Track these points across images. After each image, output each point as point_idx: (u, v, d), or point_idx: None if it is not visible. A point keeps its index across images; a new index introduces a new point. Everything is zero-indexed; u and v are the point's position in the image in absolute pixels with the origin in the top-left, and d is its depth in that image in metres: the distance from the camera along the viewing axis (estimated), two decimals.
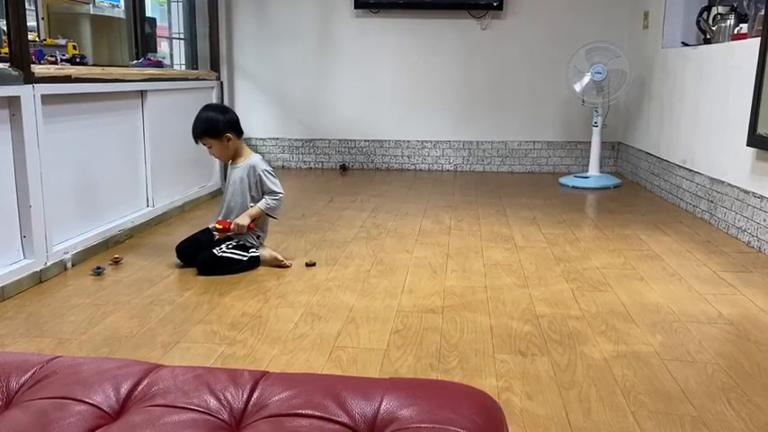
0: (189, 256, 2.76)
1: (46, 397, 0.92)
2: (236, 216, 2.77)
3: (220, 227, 2.73)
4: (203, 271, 2.68)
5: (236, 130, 2.80)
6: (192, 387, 0.94)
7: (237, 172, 2.81)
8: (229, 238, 2.74)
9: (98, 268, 2.68)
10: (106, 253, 2.96)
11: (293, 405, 0.90)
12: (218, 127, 2.74)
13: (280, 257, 2.80)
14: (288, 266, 2.78)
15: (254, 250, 2.78)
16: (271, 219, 2.88)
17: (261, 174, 2.77)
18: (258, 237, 2.83)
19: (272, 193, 2.78)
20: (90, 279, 2.61)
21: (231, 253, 2.72)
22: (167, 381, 0.96)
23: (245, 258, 2.73)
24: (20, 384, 0.97)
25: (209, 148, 2.80)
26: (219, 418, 0.89)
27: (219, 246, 2.72)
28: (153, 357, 1.90)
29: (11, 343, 2.01)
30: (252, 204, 2.78)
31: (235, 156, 2.84)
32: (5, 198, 2.47)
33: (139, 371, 0.99)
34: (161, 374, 0.98)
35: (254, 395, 0.93)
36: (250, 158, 2.82)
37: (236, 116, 2.84)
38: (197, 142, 2.80)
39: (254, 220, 2.76)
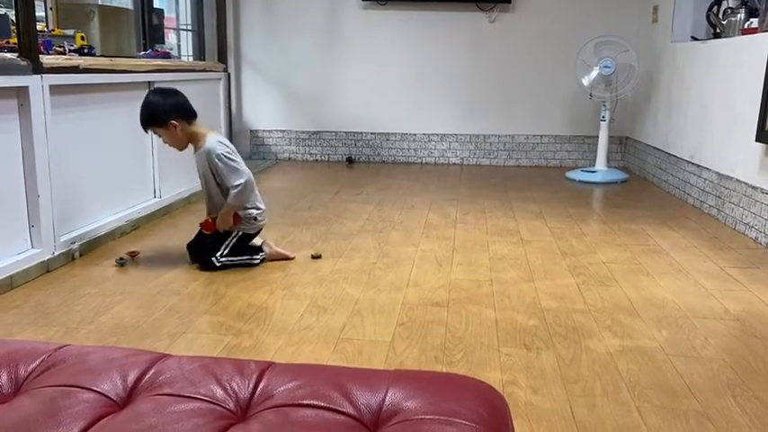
0: (198, 257, 2.70)
1: (54, 385, 0.93)
2: (212, 204, 2.66)
3: (206, 228, 2.66)
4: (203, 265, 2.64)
5: (183, 114, 2.57)
6: (199, 377, 0.95)
7: (199, 159, 2.63)
8: (229, 233, 2.65)
9: (121, 259, 2.67)
10: (113, 243, 2.98)
11: (299, 395, 0.91)
12: (159, 114, 2.53)
13: (282, 251, 2.76)
14: (291, 258, 2.76)
15: (256, 257, 2.68)
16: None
17: (215, 160, 2.56)
18: (255, 219, 2.67)
19: (229, 180, 2.56)
20: (97, 269, 2.63)
21: (229, 261, 2.64)
22: (174, 370, 0.97)
23: (247, 262, 2.67)
24: (28, 372, 0.97)
25: (159, 137, 2.64)
26: (226, 408, 0.90)
27: (218, 250, 2.61)
28: (159, 347, 1.92)
29: (19, 331, 2.02)
30: (221, 191, 2.63)
31: (193, 141, 2.63)
32: (14, 188, 2.48)
33: (146, 360, 1.00)
34: (168, 364, 0.99)
35: (260, 385, 0.94)
36: (207, 143, 2.59)
37: (183, 99, 2.61)
38: (146, 131, 2.64)
39: (235, 214, 2.63)
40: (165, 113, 2.54)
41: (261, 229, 2.76)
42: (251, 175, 2.63)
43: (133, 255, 2.76)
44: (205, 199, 2.75)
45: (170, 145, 2.66)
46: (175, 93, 2.63)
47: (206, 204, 2.76)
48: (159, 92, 2.66)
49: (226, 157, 2.57)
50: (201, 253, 2.65)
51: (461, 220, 3.52)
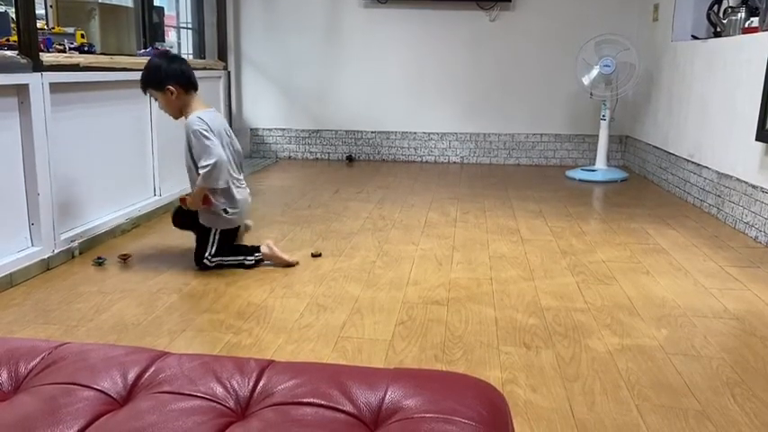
0: (183, 224, 2.70)
1: (54, 382, 0.93)
2: (192, 177, 2.60)
3: (182, 204, 2.62)
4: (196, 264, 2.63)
5: (183, 83, 2.52)
6: (199, 374, 0.95)
7: (184, 130, 2.58)
8: (209, 231, 2.60)
9: (99, 259, 2.66)
10: (113, 242, 2.98)
11: (299, 394, 0.91)
12: (159, 77, 2.50)
13: (284, 257, 2.66)
14: (293, 264, 2.68)
15: (250, 258, 2.64)
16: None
17: (190, 135, 2.49)
18: (225, 211, 2.57)
19: (199, 158, 2.48)
20: (97, 267, 2.63)
21: (221, 261, 2.60)
22: (174, 368, 0.97)
23: (240, 263, 2.63)
24: (28, 370, 0.98)
25: (155, 101, 2.60)
26: (226, 406, 0.90)
27: (206, 250, 2.59)
28: (159, 345, 1.92)
29: (19, 329, 2.02)
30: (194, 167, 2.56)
31: (185, 112, 2.58)
32: (14, 186, 2.48)
33: (146, 358, 1.00)
34: (168, 362, 0.99)
35: (260, 383, 0.94)
36: (191, 115, 2.53)
37: (187, 68, 2.56)
38: (145, 93, 2.61)
39: (205, 196, 2.53)
40: (165, 77, 2.50)
41: (238, 226, 2.68)
42: (222, 158, 2.49)
43: (125, 257, 2.71)
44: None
45: (164, 111, 2.63)
46: (181, 60, 2.60)
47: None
48: (164, 55, 2.63)
49: (200, 133, 2.47)
50: (195, 254, 2.63)
51: (461, 219, 3.52)
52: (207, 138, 2.47)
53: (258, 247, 2.67)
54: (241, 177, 2.70)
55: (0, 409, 0.88)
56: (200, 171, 2.47)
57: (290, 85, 5.54)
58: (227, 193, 2.58)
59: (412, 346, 1.94)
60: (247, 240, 2.86)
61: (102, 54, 3.32)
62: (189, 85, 2.56)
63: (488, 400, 0.92)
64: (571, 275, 2.60)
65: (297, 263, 2.69)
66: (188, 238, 2.79)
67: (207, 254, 2.60)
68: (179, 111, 2.59)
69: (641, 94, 5.06)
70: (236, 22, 5.45)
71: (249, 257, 2.64)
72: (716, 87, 3.74)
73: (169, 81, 2.50)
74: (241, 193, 2.64)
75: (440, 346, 1.94)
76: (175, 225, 2.80)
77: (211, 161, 2.46)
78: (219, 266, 2.61)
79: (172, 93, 2.52)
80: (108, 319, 2.11)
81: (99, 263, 2.64)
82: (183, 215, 2.71)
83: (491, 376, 1.76)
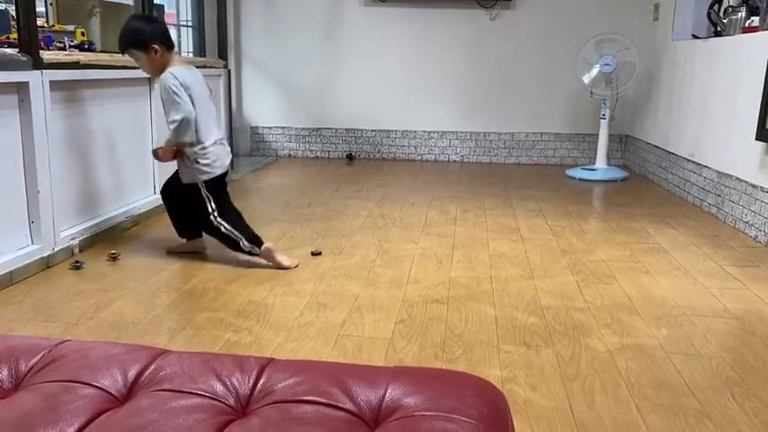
0: (170, 195, 2.76)
1: (54, 380, 0.93)
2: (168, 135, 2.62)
3: (154, 156, 2.66)
4: (204, 231, 2.71)
5: (165, 41, 2.58)
6: (199, 372, 0.95)
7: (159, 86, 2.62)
8: (199, 192, 2.63)
9: (77, 263, 2.59)
10: (113, 239, 2.98)
11: (299, 391, 0.91)
12: (144, 36, 2.53)
13: (281, 261, 2.64)
14: (290, 267, 2.65)
15: (248, 245, 2.63)
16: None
17: (162, 90, 2.54)
18: (197, 161, 2.60)
19: (167, 114, 2.54)
20: (97, 265, 2.63)
21: (224, 227, 2.63)
22: (174, 366, 0.97)
23: (237, 241, 2.65)
24: (29, 367, 0.98)
25: (136, 61, 2.61)
26: (226, 404, 0.90)
27: (212, 207, 2.62)
28: (159, 343, 1.92)
29: (19, 327, 2.02)
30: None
31: (163, 70, 2.59)
32: (14, 183, 2.48)
33: (147, 356, 1.00)
34: (168, 360, 0.99)
35: (261, 381, 0.94)
36: (166, 71, 2.56)
37: (165, 27, 2.65)
38: (123, 54, 2.61)
39: (176, 149, 2.59)
40: (150, 37, 2.54)
41: (223, 176, 2.68)
42: (191, 115, 2.54)
43: (114, 256, 2.70)
44: None
45: (145, 70, 2.66)
46: (159, 20, 2.65)
47: None
48: (143, 17, 2.67)
49: (171, 90, 2.52)
50: (195, 222, 2.70)
51: (461, 218, 3.52)
52: (177, 94, 2.52)
53: (261, 242, 2.65)
54: (222, 135, 2.73)
55: (0, 406, 0.88)
56: (169, 126, 2.54)
57: (290, 83, 5.54)
58: (200, 146, 2.61)
59: (412, 345, 1.94)
60: None
61: (102, 52, 3.32)
62: (170, 43, 2.62)
63: (488, 398, 0.92)
64: (571, 274, 2.61)
65: (296, 265, 2.67)
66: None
67: (210, 211, 2.63)
68: (160, 69, 2.61)
69: (641, 93, 5.06)
70: (236, 20, 5.45)
71: (247, 243, 2.63)
72: (716, 87, 3.74)
73: (154, 41, 2.55)
74: (216, 147, 2.66)
75: (440, 345, 1.94)
76: (166, 202, 2.83)
77: (178, 117, 2.52)
78: (220, 233, 2.63)
79: (156, 52, 2.55)
80: (108, 317, 2.11)
81: (77, 267, 2.57)
82: (170, 194, 2.77)
83: (491, 375, 1.76)
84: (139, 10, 4.00)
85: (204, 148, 2.61)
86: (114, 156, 3.16)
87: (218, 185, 2.68)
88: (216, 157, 2.64)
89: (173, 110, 2.53)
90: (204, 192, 2.63)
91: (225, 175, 2.71)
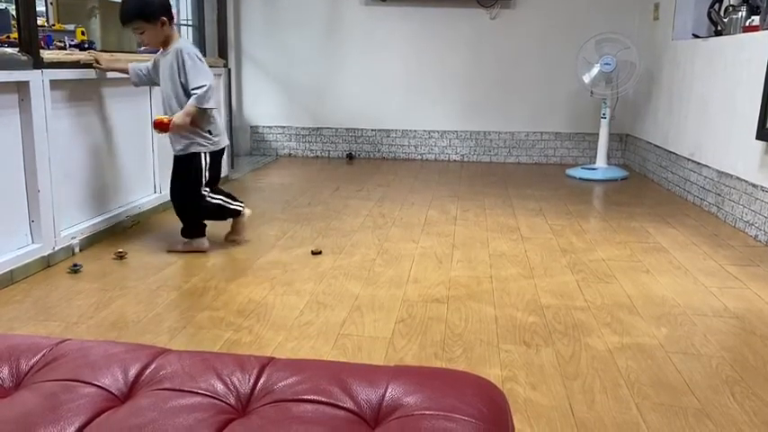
0: (191, 232, 2.80)
1: (55, 379, 0.93)
2: (174, 106, 2.65)
3: (159, 127, 2.60)
4: (186, 208, 2.76)
5: (170, 14, 2.65)
6: (200, 371, 0.95)
7: (166, 60, 2.67)
8: (198, 171, 2.69)
9: (75, 266, 2.54)
10: (113, 238, 2.98)
11: (299, 390, 0.91)
12: (153, 9, 2.58)
13: (239, 236, 2.85)
14: (239, 243, 2.84)
15: (234, 204, 2.82)
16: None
17: (185, 57, 2.60)
18: (210, 132, 2.69)
19: (194, 82, 2.59)
20: (97, 264, 2.63)
21: (217, 198, 2.76)
22: (175, 365, 0.97)
23: (228, 204, 2.80)
24: (29, 366, 0.98)
25: (139, 33, 2.64)
26: (226, 403, 0.90)
27: (205, 178, 2.71)
28: (159, 342, 1.92)
29: (19, 326, 2.03)
30: (182, 94, 2.65)
31: (165, 44, 2.69)
32: (14, 183, 2.48)
33: (147, 355, 1.00)
34: (168, 359, 0.99)
35: (261, 380, 0.94)
36: (177, 42, 2.67)
37: (169, 0, 2.71)
38: (125, 25, 2.65)
39: (192, 117, 2.61)
40: (158, 9, 2.60)
41: (221, 148, 2.77)
42: (213, 81, 2.67)
43: (121, 255, 2.69)
44: (165, 109, 2.75)
45: (147, 43, 2.72)
46: None
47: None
48: None
49: (196, 56, 2.62)
50: (183, 200, 2.75)
51: (461, 217, 3.52)
52: (202, 61, 2.63)
53: (242, 209, 2.86)
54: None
55: (1, 405, 0.88)
56: (195, 91, 2.57)
57: (290, 82, 5.54)
58: (212, 116, 2.71)
59: (412, 344, 1.94)
60: (249, 239, 2.89)
61: (102, 51, 3.32)
62: (173, 17, 2.70)
63: (488, 397, 0.92)
64: (571, 274, 2.61)
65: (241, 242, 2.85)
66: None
67: (204, 182, 2.70)
68: (163, 42, 2.68)
69: (642, 92, 5.06)
70: (236, 20, 5.45)
71: (233, 202, 2.84)
72: (716, 86, 3.74)
73: (161, 12, 2.61)
74: (220, 120, 2.84)
75: (440, 344, 1.94)
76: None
77: (206, 82, 2.60)
78: (212, 209, 2.75)
79: (163, 24, 2.62)
80: (108, 316, 2.11)
81: (75, 270, 2.52)
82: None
83: (491, 374, 1.76)
84: None
85: (214, 119, 2.73)
86: (114, 155, 3.16)
87: (219, 159, 2.78)
88: (221, 129, 2.78)
89: (199, 75, 2.60)
90: (204, 161, 2.70)
91: (224, 150, 2.83)
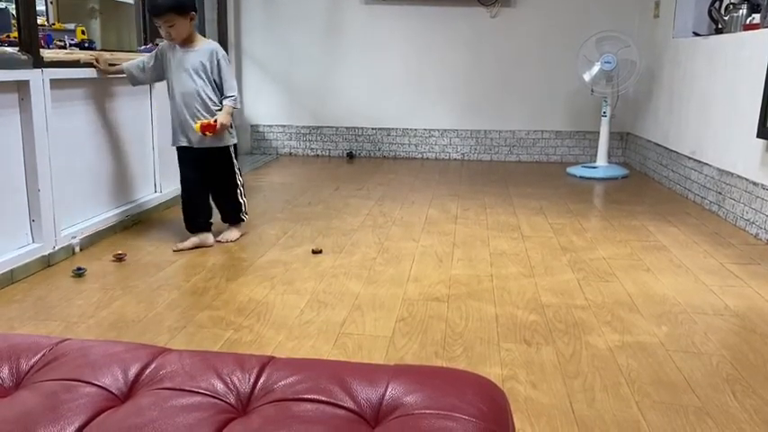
0: (198, 183, 2.89)
1: (55, 378, 0.93)
2: (198, 102, 2.73)
3: (207, 129, 2.68)
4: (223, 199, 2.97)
5: (196, 9, 2.75)
6: (200, 371, 0.95)
7: (195, 56, 2.73)
8: (234, 179, 2.92)
9: (79, 269, 2.49)
10: (114, 238, 2.98)
11: (299, 390, 0.91)
12: (186, 3, 2.66)
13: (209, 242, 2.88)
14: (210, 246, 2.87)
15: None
16: None
17: (221, 60, 2.76)
18: (232, 125, 2.87)
19: (231, 87, 2.79)
20: (98, 263, 2.63)
21: (245, 201, 3.00)
22: (175, 364, 0.97)
23: (244, 206, 3.01)
24: (30, 366, 0.98)
25: (169, 27, 2.65)
26: (226, 402, 0.90)
27: (236, 192, 2.93)
28: (160, 342, 1.92)
29: (19, 326, 2.03)
30: (211, 91, 2.76)
31: (189, 39, 2.74)
32: (14, 182, 2.48)
33: (147, 354, 1.00)
34: (169, 358, 0.99)
35: (261, 379, 0.94)
36: (209, 43, 2.80)
37: None
38: (156, 18, 2.65)
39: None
40: (191, 4, 2.69)
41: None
42: None
43: (120, 257, 2.67)
44: (171, 98, 2.79)
45: (172, 37, 2.70)
46: None
47: (177, 108, 2.77)
48: None
49: (228, 60, 2.80)
50: (226, 187, 2.92)
51: (462, 216, 3.52)
52: (230, 64, 2.82)
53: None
54: None
55: (1, 405, 0.88)
56: (233, 93, 2.77)
57: (290, 81, 5.54)
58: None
59: (412, 343, 1.94)
60: (249, 239, 2.89)
61: (102, 50, 3.32)
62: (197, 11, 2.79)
63: (489, 396, 0.92)
64: (571, 272, 2.61)
65: (211, 244, 2.88)
66: (189, 235, 2.78)
67: (237, 170, 2.93)
68: (187, 36, 2.74)
69: (642, 90, 5.06)
70: (236, 19, 5.45)
71: (246, 206, 3.06)
72: (717, 84, 3.74)
73: (192, 7, 2.71)
74: None
75: (440, 343, 1.94)
76: (199, 193, 2.93)
77: (236, 90, 2.82)
78: (235, 201, 2.99)
79: (191, 19, 2.70)
80: (108, 316, 2.11)
81: (79, 273, 2.47)
82: (197, 182, 2.89)
83: (491, 373, 1.76)
84: (140, 9, 3.99)
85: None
86: (115, 154, 3.16)
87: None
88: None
89: (232, 79, 2.80)
90: (233, 152, 2.91)
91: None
